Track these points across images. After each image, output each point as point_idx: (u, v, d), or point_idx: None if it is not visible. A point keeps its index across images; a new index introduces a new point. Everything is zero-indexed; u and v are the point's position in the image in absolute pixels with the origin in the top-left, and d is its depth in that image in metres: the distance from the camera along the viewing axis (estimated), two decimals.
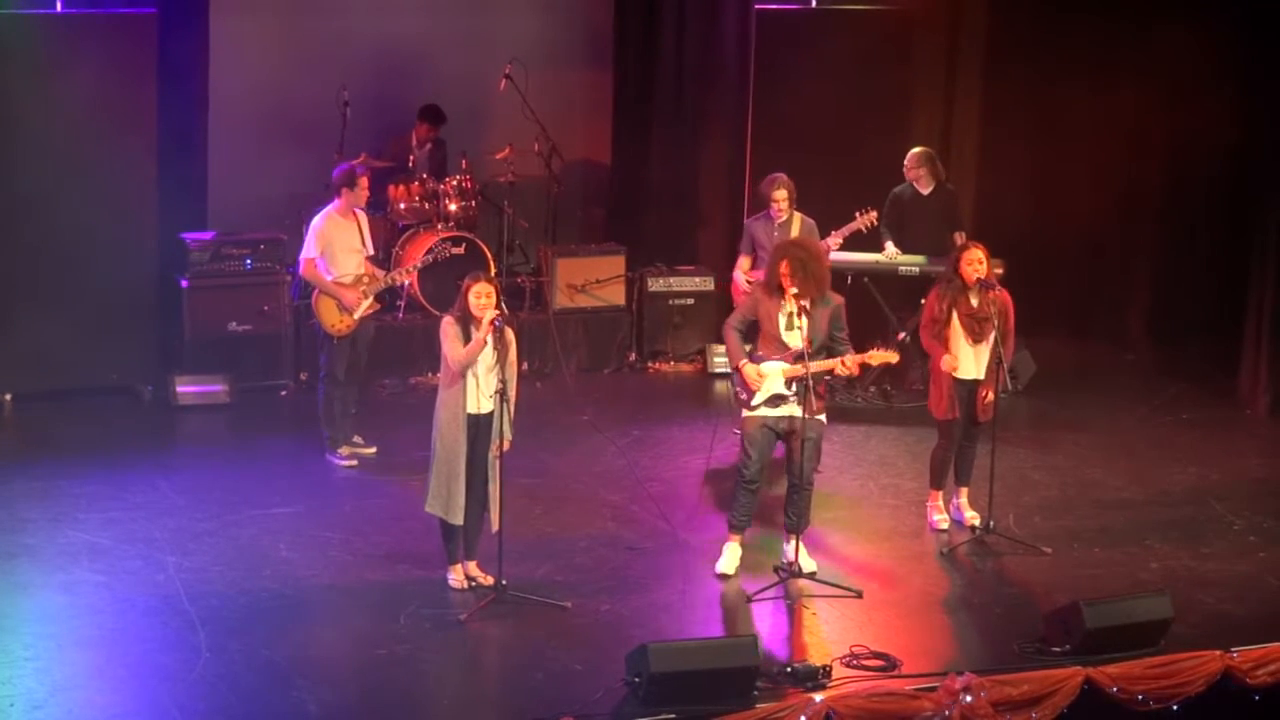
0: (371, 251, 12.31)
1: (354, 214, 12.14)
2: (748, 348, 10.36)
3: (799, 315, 10.11)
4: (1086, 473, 12.42)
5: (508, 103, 15.02)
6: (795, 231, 12.25)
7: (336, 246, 12.03)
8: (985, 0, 15.61)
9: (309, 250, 12.06)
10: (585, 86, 16.11)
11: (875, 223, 12.70)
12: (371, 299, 12.11)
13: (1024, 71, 15.35)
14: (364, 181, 12.10)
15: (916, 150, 13.97)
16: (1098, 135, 15.24)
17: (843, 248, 13.11)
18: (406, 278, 12.98)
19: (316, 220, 12.13)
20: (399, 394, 13.30)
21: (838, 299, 10.36)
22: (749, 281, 12.15)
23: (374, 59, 15.19)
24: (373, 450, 12.25)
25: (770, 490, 10.87)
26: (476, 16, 15.64)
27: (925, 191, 13.90)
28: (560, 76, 15.70)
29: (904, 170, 13.93)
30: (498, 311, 9.74)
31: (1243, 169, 14.52)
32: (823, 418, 10.30)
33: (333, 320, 12.05)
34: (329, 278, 12.00)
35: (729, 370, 10.60)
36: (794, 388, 10.16)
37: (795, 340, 10.15)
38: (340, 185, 12.08)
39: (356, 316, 12.04)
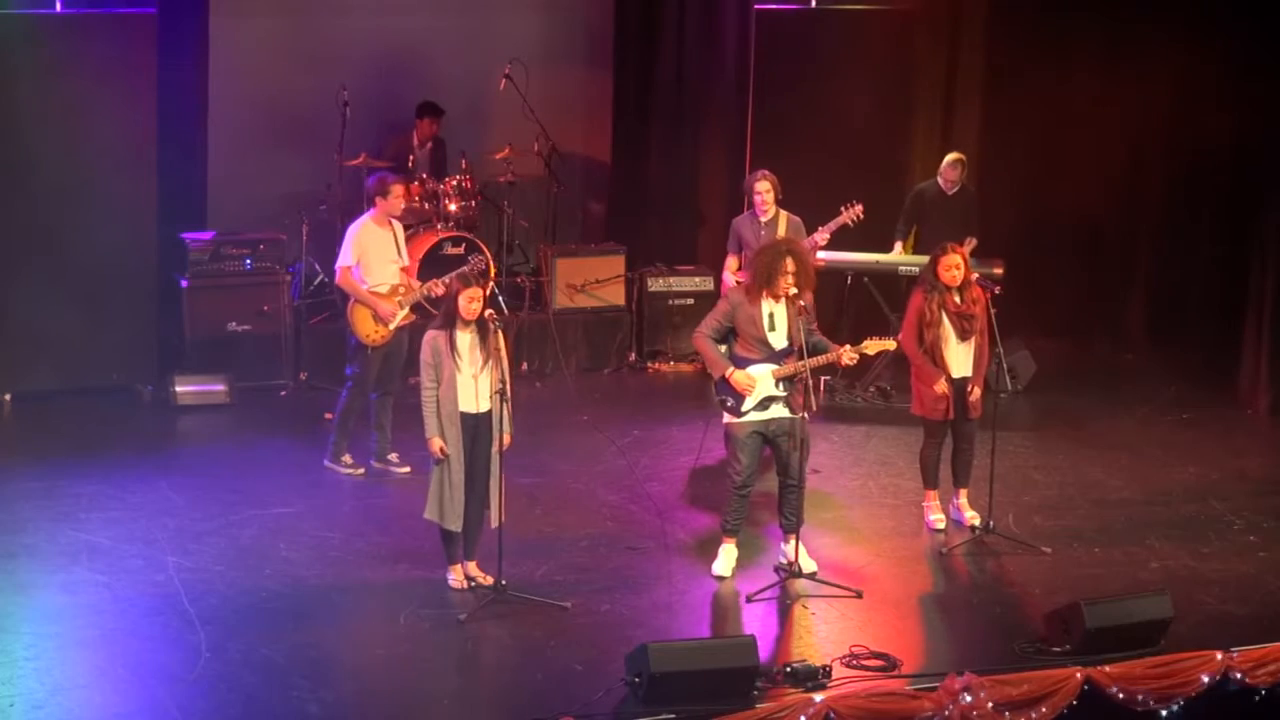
0: (406, 262, 12.06)
1: (390, 223, 11.89)
2: (722, 348, 10.30)
3: (800, 315, 10.11)
4: (1086, 473, 12.41)
5: (508, 102, 15.02)
6: (782, 229, 12.16)
7: (372, 255, 11.77)
8: (986, 0, 15.61)
9: (345, 258, 11.78)
10: (585, 86, 16.10)
11: (861, 216, 12.65)
12: (407, 310, 11.83)
13: (1024, 71, 15.33)
14: (398, 189, 11.85)
15: (959, 157, 14.15)
16: (1098, 135, 15.24)
17: (833, 246, 13.07)
18: (441, 289, 12.72)
19: (353, 227, 11.89)
20: (399, 394, 13.24)
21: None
22: (738, 282, 12.09)
23: (374, 59, 15.19)
24: (407, 469, 11.91)
25: (761, 489, 10.83)
26: (476, 16, 15.63)
27: (950, 192, 14.03)
28: (560, 76, 15.69)
29: (940, 172, 14.12)
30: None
31: (1243, 169, 14.51)
32: (805, 414, 10.26)
33: (367, 330, 11.79)
34: (364, 286, 11.80)
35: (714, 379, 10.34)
36: (782, 386, 10.15)
37: (779, 340, 10.14)
38: (374, 194, 11.86)
39: (392, 327, 11.77)
